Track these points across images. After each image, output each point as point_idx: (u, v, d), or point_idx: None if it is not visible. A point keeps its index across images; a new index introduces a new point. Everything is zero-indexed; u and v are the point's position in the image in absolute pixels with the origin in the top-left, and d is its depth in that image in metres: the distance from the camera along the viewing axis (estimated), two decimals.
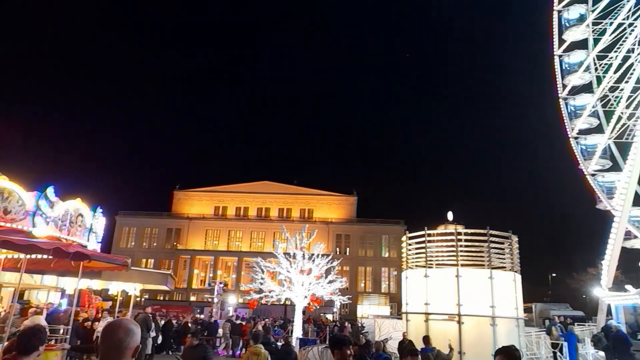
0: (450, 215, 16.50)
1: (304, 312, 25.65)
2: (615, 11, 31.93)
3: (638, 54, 30.79)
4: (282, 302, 34.38)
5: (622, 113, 31.39)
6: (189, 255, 69.08)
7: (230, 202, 74.96)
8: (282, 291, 23.49)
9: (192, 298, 64.46)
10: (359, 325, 31.10)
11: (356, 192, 75.10)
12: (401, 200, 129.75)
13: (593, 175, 31.59)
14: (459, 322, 14.11)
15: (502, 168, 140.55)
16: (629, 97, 31.09)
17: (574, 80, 33.76)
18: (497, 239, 15.25)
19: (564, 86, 34.22)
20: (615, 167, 31.16)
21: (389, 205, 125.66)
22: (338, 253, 61.33)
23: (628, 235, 28.54)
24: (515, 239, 15.64)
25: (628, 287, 22.76)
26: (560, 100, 34.11)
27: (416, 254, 16.42)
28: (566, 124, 33.57)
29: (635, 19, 30.83)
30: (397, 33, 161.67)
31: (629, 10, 30.99)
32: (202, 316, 37.39)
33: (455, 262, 14.91)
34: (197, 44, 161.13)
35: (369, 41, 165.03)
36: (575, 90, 33.96)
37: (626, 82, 31.42)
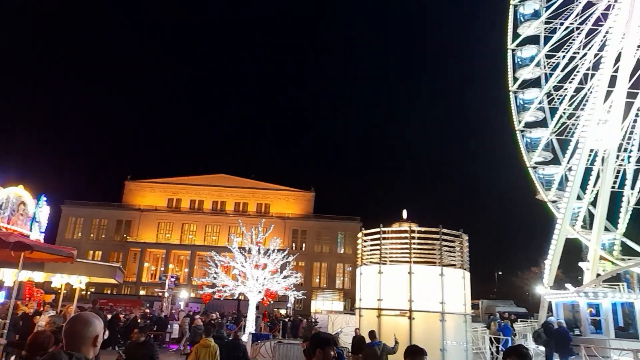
0: (404, 214, 16.87)
1: (257, 307, 25.51)
2: (566, 12, 33.34)
3: (582, 57, 32.46)
4: (235, 297, 34.05)
5: (564, 111, 32.99)
6: (140, 248, 67.05)
7: (184, 195, 73.32)
8: (236, 286, 23.26)
9: (142, 292, 62.68)
10: (313, 320, 31.29)
11: (314, 189, 75.34)
12: (358, 197, 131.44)
13: (534, 167, 32.99)
14: (410, 318, 14.45)
15: (457, 170, 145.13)
16: (572, 96, 32.71)
17: (525, 74, 34.81)
18: (448, 238, 15.71)
19: (515, 80, 35.46)
20: (555, 161, 32.79)
21: (346, 202, 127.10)
22: (294, 248, 61.39)
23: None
24: (465, 237, 16.17)
25: (568, 285, 24.07)
26: (511, 93, 35.30)
27: (371, 250, 16.66)
28: (514, 116, 34.80)
29: (581, 24, 32.47)
30: (358, 31, 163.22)
31: (577, 14, 32.54)
32: (150, 310, 36.41)
33: (408, 259, 15.24)
34: (153, 32, 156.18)
35: (329, 38, 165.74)
36: (525, 84, 35.20)
37: (570, 82, 33.01)
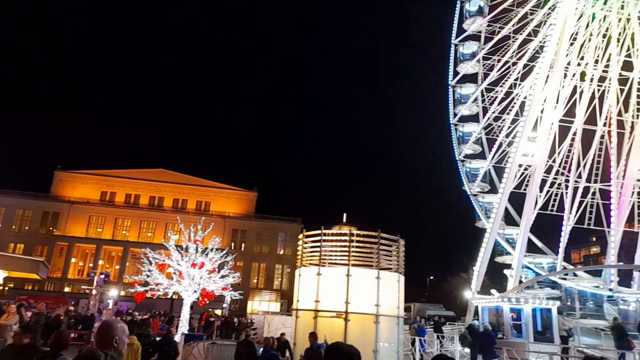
0: (345, 217, 17.17)
1: (192, 307, 24.88)
2: (503, 49, 36.14)
3: (519, 89, 34.87)
4: (169, 296, 33.00)
5: (502, 141, 35.28)
6: (68, 242, 63.21)
7: (120, 188, 70.11)
8: (170, 284, 22.57)
9: (67, 289, 59.15)
10: (249, 320, 30.97)
11: (257, 188, 74.69)
12: (301, 199, 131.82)
13: (475, 195, 35.22)
14: (346, 320, 14.72)
15: (398, 178, 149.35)
16: (509, 127, 35.06)
17: (463, 110, 37.77)
18: (386, 242, 16.18)
19: (455, 114, 37.99)
20: (493, 190, 34.90)
21: (289, 203, 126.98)
22: (233, 248, 60.46)
23: (501, 251, 32.25)
24: (402, 242, 16.73)
25: (493, 291, 25.48)
26: (452, 126, 37.79)
27: (311, 252, 16.80)
28: (455, 148, 37.23)
29: (519, 59, 35.06)
30: (298, 28, 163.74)
31: (514, 51, 35.24)
32: (75, 308, 34.45)
33: (346, 262, 15.52)
34: (83, 22, 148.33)
35: (277, 37, 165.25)
36: (465, 118, 37.87)
37: (507, 113, 35.47)
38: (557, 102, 31.36)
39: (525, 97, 33.07)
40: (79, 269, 65.01)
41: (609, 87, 32.55)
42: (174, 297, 34.49)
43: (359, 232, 16.13)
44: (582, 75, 33.20)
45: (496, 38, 36.00)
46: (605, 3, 31.22)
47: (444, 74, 39.20)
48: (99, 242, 64.08)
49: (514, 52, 35.28)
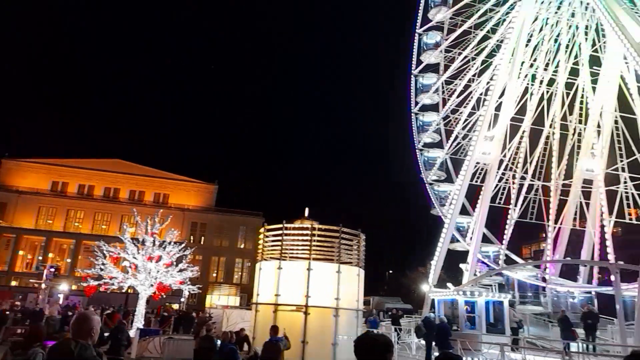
0: (307, 211, 17.16)
1: (148, 301, 24.27)
2: (463, 43, 36.81)
3: (476, 85, 35.78)
4: (124, 290, 32.08)
5: (459, 133, 36.17)
6: (15, 234, 60.08)
7: (72, 178, 67.20)
8: (125, 278, 21.93)
9: (14, 283, 56.31)
10: (207, 315, 30.50)
11: (218, 181, 73.50)
12: (263, 193, 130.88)
13: (431, 184, 35.93)
14: (306, 313, 14.74)
15: (359, 172, 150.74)
16: (465, 120, 35.98)
17: (425, 99, 38.25)
18: (347, 236, 16.30)
19: (416, 103, 38.43)
20: (449, 179, 35.82)
21: (250, 197, 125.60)
22: (192, 241, 59.35)
23: (452, 239, 33.16)
24: (363, 237, 16.90)
25: (449, 284, 26.24)
26: (412, 114, 38.21)
27: (272, 246, 16.70)
28: (414, 136, 37.68)
29: (478, 54, 35.91)
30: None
31: (474, 46, 36.00)
32: (22, 303, 32.89)
33: (308, 256, 15.53)
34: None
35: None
36: (425, 108, 38.34)
37: (465, 107, 36.34)
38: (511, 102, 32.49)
39: (481, 93, 34.06)
40: (27, 261, 62.01)
41: (556, 90, 34.03)
42: (129, 291, 33.49)
43: (320, 226, 16.17)
44: (533, 77, 34.59)
45: (458, 31, 36.65)
46: (558, 9, 32.51)
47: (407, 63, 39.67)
48: (49, 234, 61.26)
49: (473, 47, 36.07)
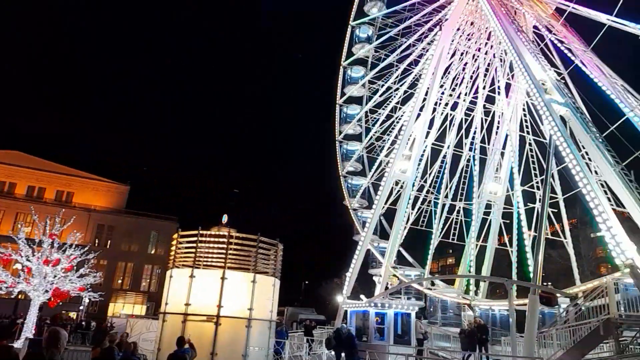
0: (225, 218, 16.72)
1: (41, 309, 22.13)
2: (386, 75, 39.12)
3: (399, 113, 37.82)
4: (14, 296, 29.01)
5: (382, 160, 37.85)
6: None
7: None
8: (16, 283, 19.86)
9: None
10: (108, 324, 28.50)
11: (130, 182, 69.44)
12: (179, 198, 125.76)
13: (355, 210, 37.48)
14: (217, 324, 14.28)
15: (281, 184, 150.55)
16: (389, 147, 37.72)
17: (348, 129, 40.32)
18: (265, 245, 16.11)
19: (340, 132, 40.13)
20: (371, 206, 37.09)
21: (166, 201, 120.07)
22: (97, 245, 55.39)
23: (374, 263, 34.52)
24: (280, 246, 16.80)
25: (362, 296, 26.88)
26: (337, 142, 39.91)
27: (185, 253, 16.06)
28: (339, 164, 39.26)
29: (401, 85, 38.07)
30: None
31: (396, 77, 38.29)
32: None
33: (223, 265, 15.11)
34: None
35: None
36: (349, 137, 40.21)
37: (388, 134, 38.24)
38: (430, 128, 34.56)
39: (405, 121, 35.95)
40: None
41: (475, 116, 36.70)
42: (19, 297, 30.38)
43: (238, 234, 15.83)
44: (454, 104, 37.08)
45: (381, 65, 38.84)
46: (475, 42, 35.16)
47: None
48: None
49: (396, 78, 38.30)
